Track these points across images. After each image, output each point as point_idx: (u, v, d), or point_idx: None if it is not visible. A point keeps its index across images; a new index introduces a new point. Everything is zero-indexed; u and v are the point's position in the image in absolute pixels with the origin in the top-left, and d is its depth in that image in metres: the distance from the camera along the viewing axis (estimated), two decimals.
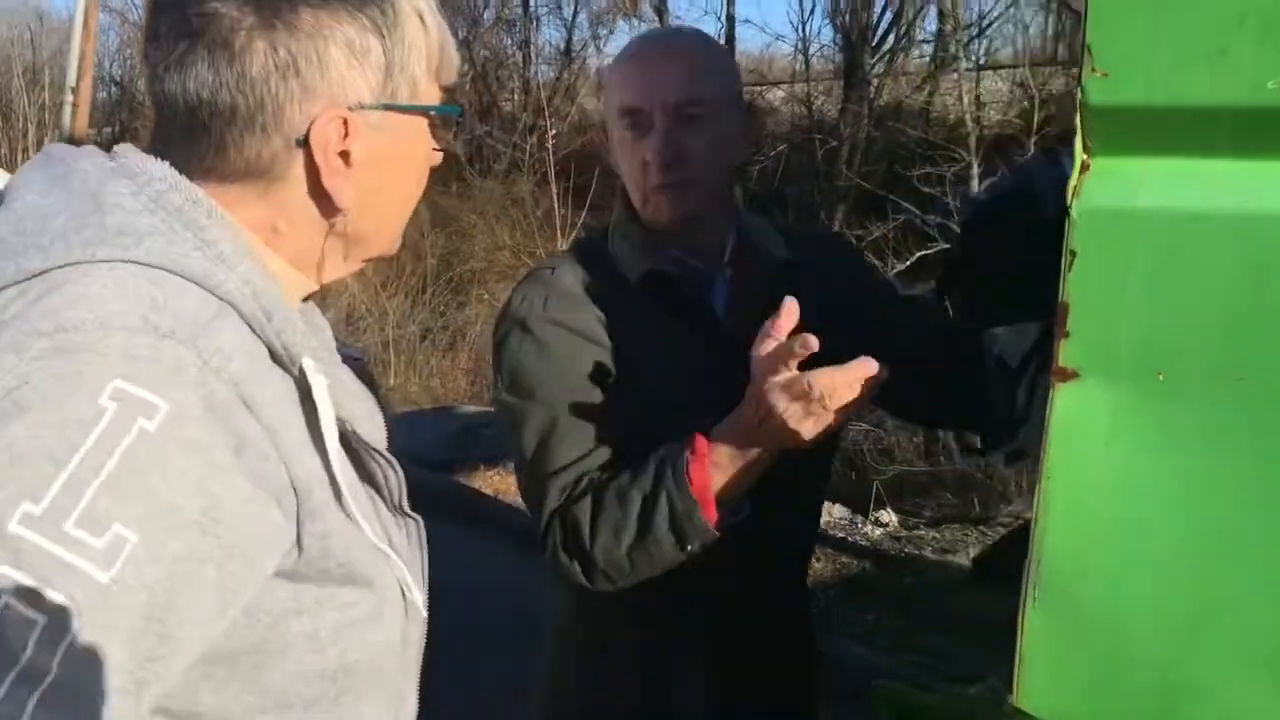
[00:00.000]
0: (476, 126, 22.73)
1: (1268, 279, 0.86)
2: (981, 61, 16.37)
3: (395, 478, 0.96)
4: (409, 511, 0.99)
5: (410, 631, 0.99)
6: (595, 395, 1.46)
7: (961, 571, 5.94)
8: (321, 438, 0.86)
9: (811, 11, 20.24)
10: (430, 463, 7.03)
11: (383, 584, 0.92)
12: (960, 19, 15.62)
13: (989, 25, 17.43)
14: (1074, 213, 0.95)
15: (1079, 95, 0.94)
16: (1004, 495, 8.62)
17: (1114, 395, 0.94)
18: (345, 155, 0.89)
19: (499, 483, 7.01)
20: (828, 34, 20.19)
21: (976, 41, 16.17)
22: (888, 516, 9.37)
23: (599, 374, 1.47)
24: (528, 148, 20.90)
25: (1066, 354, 0.96)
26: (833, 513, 10.46)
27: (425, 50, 0.94)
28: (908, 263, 12.86)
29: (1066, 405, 0.96)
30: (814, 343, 1.21)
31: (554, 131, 15.39)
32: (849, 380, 1.24)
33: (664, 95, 1.48)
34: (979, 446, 1.26)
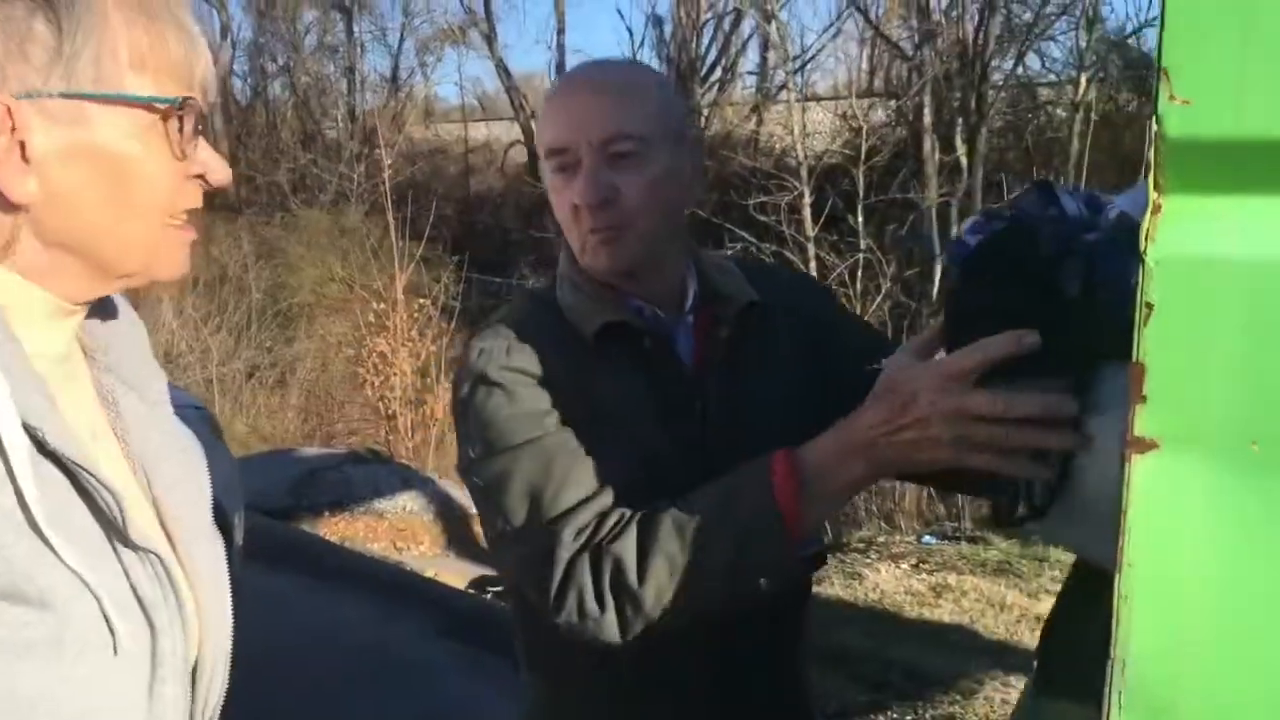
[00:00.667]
0: (300, 155, 22.02)
1: None
2: (805, 94, 16.81)
3: (117, 507, 0.89)
4: (145, 545, 0.92)
5: (158, 681, 0.91)
6: (584, 435, 1.32)
7: (823, 604, 5.92)
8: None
9: (641, 43, 20.43)
10: (271, 510, 6.63)
11: (69, 611, 0.84)
12: (788, 51, 16.01)
13: (810, 58, 17.93)
14: (1150, 261, 0.82)
15: (1154, 127, 0.82)
16: (854, 519, 8.72)
17: (1203, 468, 0.82)
18: (23, 147, 0.85)
19: (345, 529, 6.67)
20: (657, 66, 20.36)
21: (800, 75, 16.59)
22: None
23: (579, 418, 1.33)
24: (355, 177, 20.36)
25: (1144, 422, 0.83)
26: None
27: (118, 35, 0.87)
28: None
29: (1147, 480, 0.83)
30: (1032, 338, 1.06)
31: (389, 161, 14.99)
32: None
33: (590, 132, 1.34)
34: (1014, 516, 1.12)
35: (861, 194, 13.69)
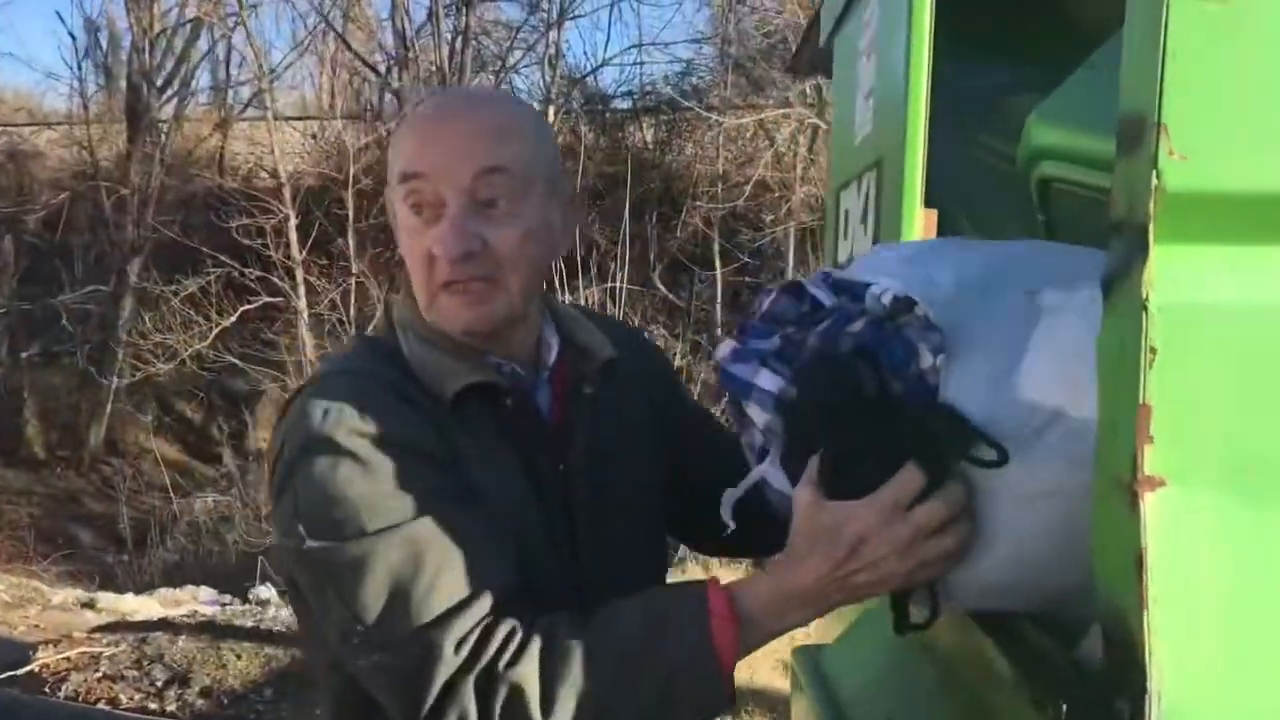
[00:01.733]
0: None
1: None
2: (274, 112, 16.18)
3: None
4: None
5: None
6: (453, 518, 1.12)
7: None
8: None
9: (85, 55, 18.45)
10: None
11: None
12: (262, 67, 15.30)
13: (277, 75, 17.29)
14: (1153, 307, 0.86)
15: (1154, 181, 0.85)
16: None
17: (1209, 502, 0.87)
18: None
19: None
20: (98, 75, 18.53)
21: (268, 92, 15.95)
22: (267, 592, 8.75)
23: (446, 496, 1.14)
24: None
25: (1152, 461, 0.87)
26: (199, 597, 9.54)
27: None
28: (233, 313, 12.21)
29: (1159, 518, 0.87)
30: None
31: None
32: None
33: (460, 171, 1.18)
34: (921, 617, 1.11)
35: (352, 217, 13.44)
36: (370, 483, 1.12)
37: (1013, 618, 1.18)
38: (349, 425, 1.14)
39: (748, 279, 15.53)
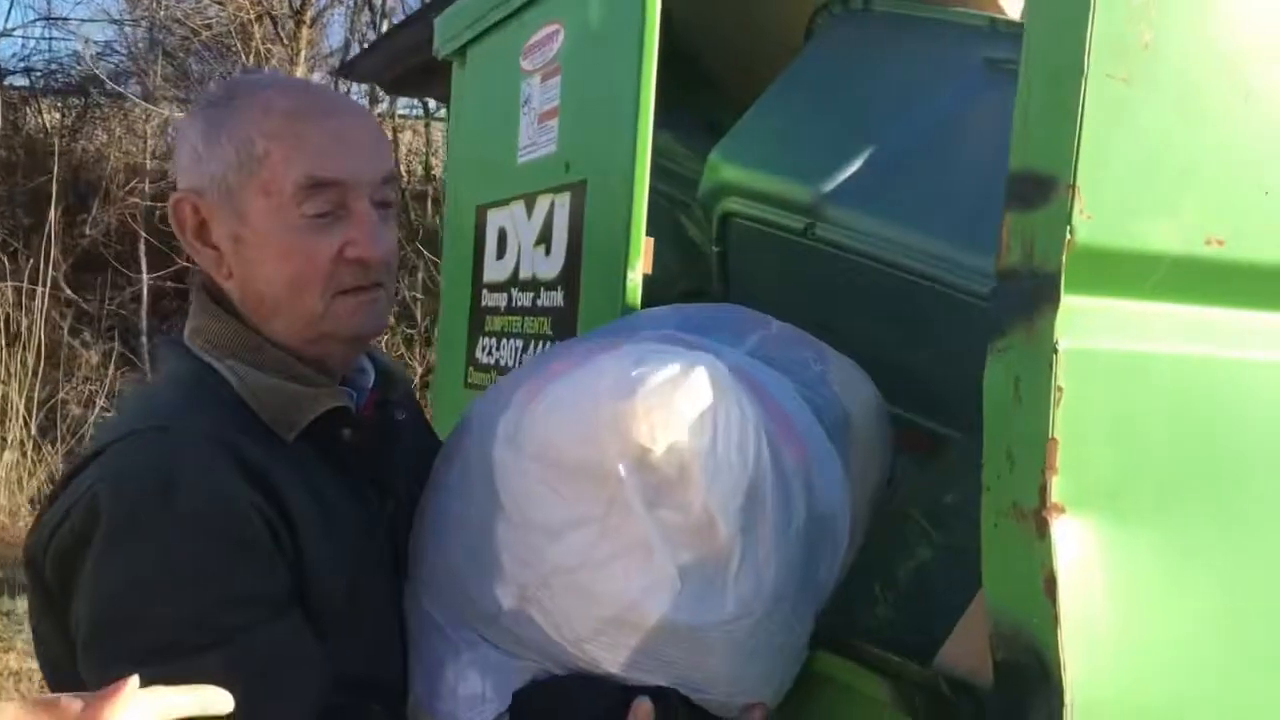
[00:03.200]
0: None
1: (1203, 415, 1.01)
2: None
3: None
4: None
5: None
6: (270, 639, 0.99)
7: None
8: None
9: None
10: None
11: None
12: None
13: None
14: (1061, 349, 0.95)
15: (1067, 236, 0.95)
16: None
17: (1095, 525, 0.98)
18: None
19: None
20: None
21: None
22: None
23: (266, 605, 1.01)
24: None
25: (1057, 490, 0.96)
26: None
27: None
28: None
29: (1064, 542, 0.96)
30: None
31: None
32: None
33: (370, 170, 1.11)
34: None
35: None
36: (178, 595, 0.97)
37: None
38: (155, 515, 0.97)
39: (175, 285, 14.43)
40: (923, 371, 1.74)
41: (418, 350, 10.90)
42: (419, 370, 8.74)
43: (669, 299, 1.72)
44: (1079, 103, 0.94)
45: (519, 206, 1.92)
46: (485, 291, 2.06)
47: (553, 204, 1.80)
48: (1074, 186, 0.94)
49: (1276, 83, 1.00)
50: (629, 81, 1.58)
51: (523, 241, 1.90)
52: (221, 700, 0.81)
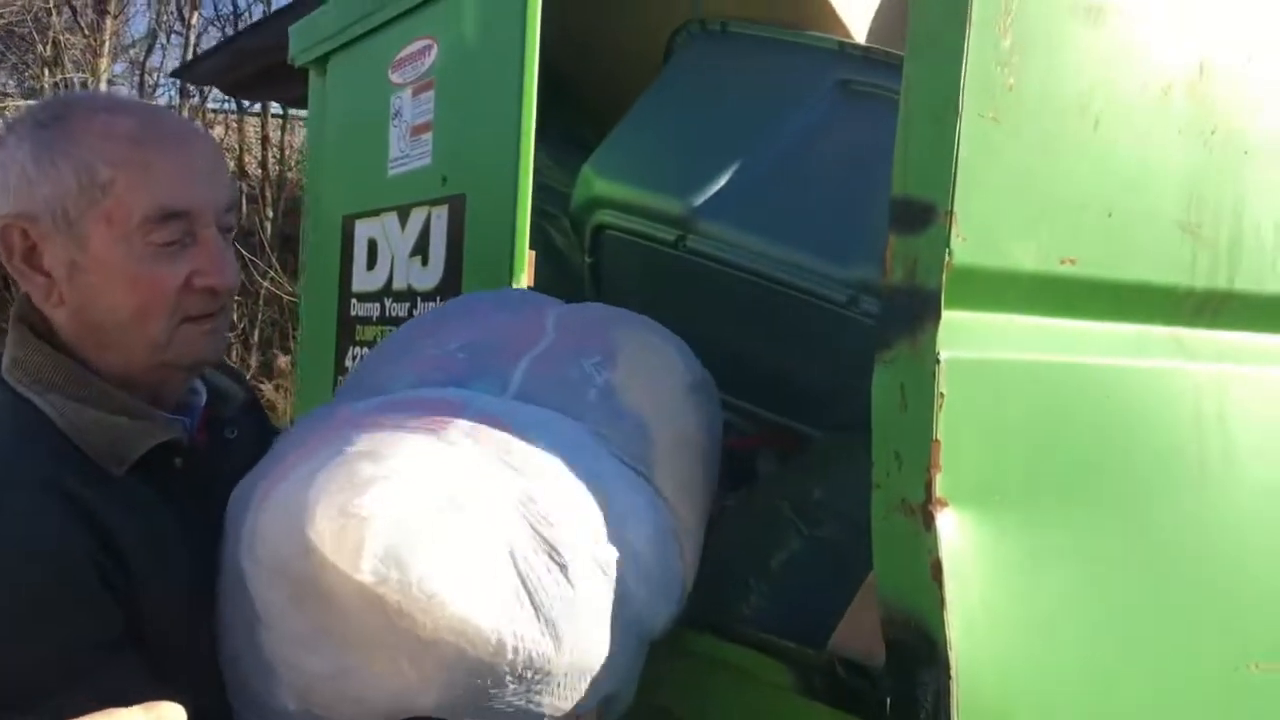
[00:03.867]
0: None
1: (1061, 414, 1.14)
2: None
3: None
4: None
5: None
6: (103, 683, 0.97)
7: None
8: None
9: None
10: None
11: None
12: None
13: None
14: (942, 360, 1.06)
15: (946, 258, 1.06)
16: None
17: (972, 518, 1.09)
18: None
19: None
20: None
21: None
22: None
23: (101, 647, 1.00)
24: None
25: (940, 486, 1.07)
26: None
27: None
28: None
29: (947, 533, 1.07)
30: None
31: None
32: None
33: (218, 195, 1.10)
34: None
35: None
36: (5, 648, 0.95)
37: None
38: (16, 536, 0.96)
39: None
40: (787, 375, 1.85)
41: (234, 353, 10.57)
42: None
43: None
44: (955, 139, 1.04)
45: (391, 218, 1.94)
46: (355, 301, 2.07)
47: (429, 216, 1.83)
48: (951, 213, 1.05)
49: (1120, 115, 1.13)
50: (510, 98, 1.63)
51: (396, 253, 1.92)
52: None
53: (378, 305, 1.98)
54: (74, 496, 0.99)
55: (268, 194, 11.41)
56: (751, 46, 1.99)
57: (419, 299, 1.86)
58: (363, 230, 2.04)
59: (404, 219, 1.90)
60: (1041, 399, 1.13)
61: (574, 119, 2.24)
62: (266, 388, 8.75)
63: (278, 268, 9.42)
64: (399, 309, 1.91)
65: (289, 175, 11.45)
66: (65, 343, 1.09)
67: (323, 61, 2.21)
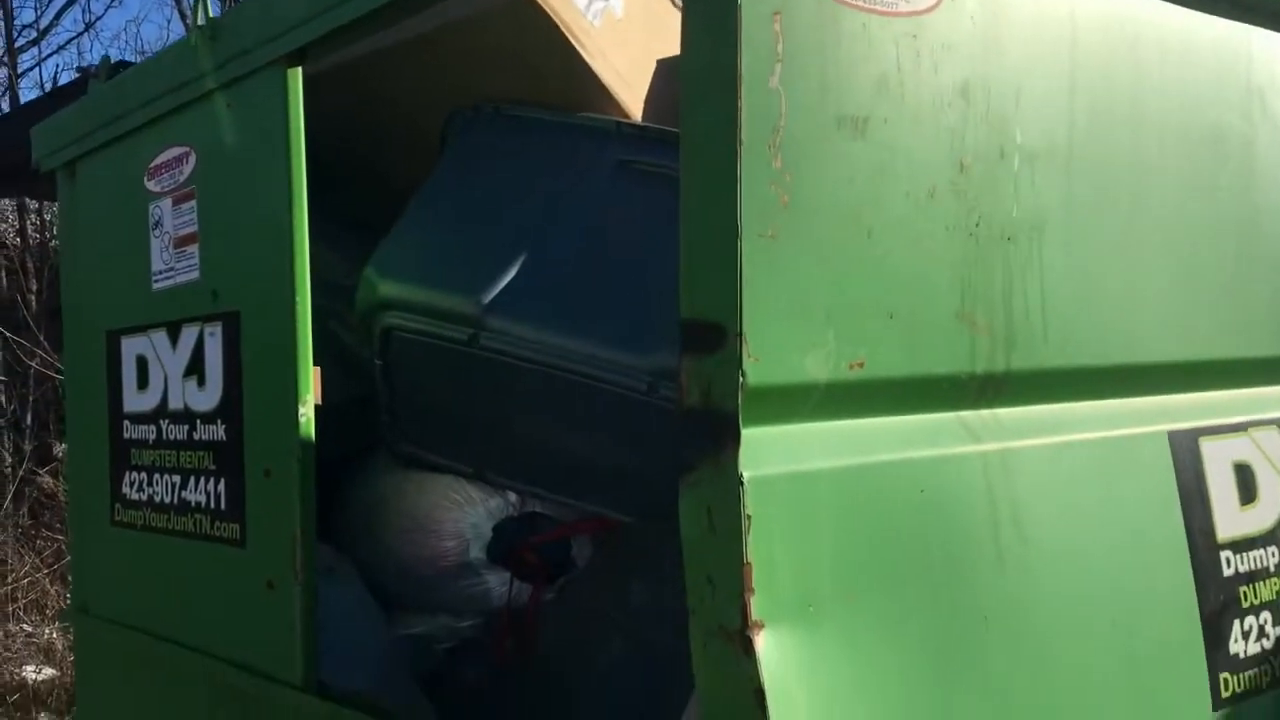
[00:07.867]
0: None
1: (864, 516, 1.15)
2: None
3: None
4: None
5: None
6: None
7: None
8: None
9: None
10: None
11: None
12: None
13: None
14: (746, 479, 1.06)
15: (740, 379, 1.05)
16: None
17: (790, 638, 1.08)
18: None
19: None
20: None
21: None
22: None
23: None
24: None
25: (756, 608, 1.06)
26: None
27: None
28: None
29: (765, 656, 1.06)
30: None
31: None
32: None
33: None
34: None
35: None
36: None
37: None
38: None
39: None
40: (594, 464, 1.83)
41: (6, 439, 9.77)
42: None
43: (339, 406, 1.70)
44: (737, 259, 1.04)
45: (160, 335, 1.81)
46: (128, 423, 1.93)
47: (202, 333, 1.72)
48: (741, 335, 1.04)
49: (890, 220, 1.16)
50: (279, 206, 1.55)
51: (169, 372, 1.80)
52: None
53: (153, 428, 1.84)
54: None
55: (29, 264, 10.65)
56: (527, 128, 1.96)
57: (199, 420, 1.74)
58: (130, 347, 1.90)
59: (174, 336, 1.78)
60: (844, 502, 1.14)
61: (343, 202, 2.15)
62: (43, 478, 8.11)
63: (47, 346, 8.79)
64: (177, 431, 1.79)
65: (54, 244, 10.70)
66: None
67: (70, 167, 2.06)
